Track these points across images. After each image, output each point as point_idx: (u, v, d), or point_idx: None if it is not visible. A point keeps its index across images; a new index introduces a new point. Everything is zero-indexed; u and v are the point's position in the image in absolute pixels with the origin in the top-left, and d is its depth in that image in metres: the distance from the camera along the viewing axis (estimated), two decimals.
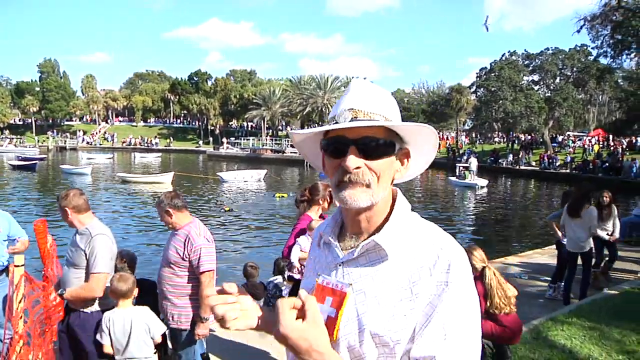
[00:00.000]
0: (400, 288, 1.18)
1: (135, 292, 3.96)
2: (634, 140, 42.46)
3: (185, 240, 3.97)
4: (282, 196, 24.93)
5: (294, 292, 4.74)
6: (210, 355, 4.73)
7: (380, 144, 1.20)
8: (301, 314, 1.05)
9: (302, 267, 4.54)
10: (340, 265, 1.27)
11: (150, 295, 4.43)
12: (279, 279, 6.61)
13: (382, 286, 1.19)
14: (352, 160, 1.18)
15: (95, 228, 3.90)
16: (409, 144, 1.31)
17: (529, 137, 52.46)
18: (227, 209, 20.74)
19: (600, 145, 44.36)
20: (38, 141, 76.88)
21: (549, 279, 8.04)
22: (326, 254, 1.35)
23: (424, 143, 1.32)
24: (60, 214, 3.96)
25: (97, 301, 3.92)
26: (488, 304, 4.72)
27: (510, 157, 45.50)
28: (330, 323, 1.15)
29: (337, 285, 1.18)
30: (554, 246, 8.93)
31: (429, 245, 1.21)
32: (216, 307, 1.17)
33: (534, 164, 43.82)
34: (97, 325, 3.87)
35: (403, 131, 1.26)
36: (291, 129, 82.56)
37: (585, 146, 45.04)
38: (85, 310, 3.89)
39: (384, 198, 1.25)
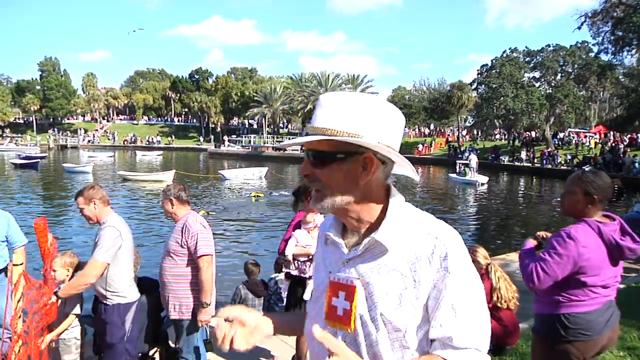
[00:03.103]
0: (404, 277, 1.29)
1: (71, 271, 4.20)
2: (635, 137, 42.41)
3: (182, 229, 4.12)
4: (258, 196, 24.51)
5: (292, 290, 4.74)
6: (213, 355, 4.73)
7: (322, 155, 1.31)
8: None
9: (298, 262, 4.54)
10: (347, 262, 1.37)
11: (150, 293, 4.44)
12: (280, 276, 6.62)
13: (387, 277, 1.30)
14: (303, 168, 1.36)
15: (109, 220, 4.01)
16: (374, 149, 1.31)
17: (530, 134, 52.40)
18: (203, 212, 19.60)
19: (600, 142, 44.26)
20: (40, 140, 76.77)
21: None
22: (333, 250, 1.45)
23: (383, 151, 1.32)
24: (80, 210, 4.05)
25: (119, 293, 4.00)
26: (495, 298, 4.74)
27: (523, 154, 44.97)
28: (347, 315, 1.32)
29: (347, 280, 1.33)
30: None
31: (425, 235, 1.31)
32: (216, 331, 1.40)
33: (535, 160, 43.70)
34: (116, 316, 3.99)
35: (344, 143, 1.29)
36: (291, 128, 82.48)
37: (583, 142, 45.01)
38: (106, 302, 4.00)
39: (367, 198, 1.36)
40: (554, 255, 2.80)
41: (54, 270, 4.10)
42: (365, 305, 1.31)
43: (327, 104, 1.32)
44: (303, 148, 1.36)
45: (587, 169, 3.15)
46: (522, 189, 34.15)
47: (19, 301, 2.91)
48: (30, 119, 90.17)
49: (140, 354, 4.51)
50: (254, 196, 24.44)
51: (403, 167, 1.43)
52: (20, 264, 3.04)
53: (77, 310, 4.23)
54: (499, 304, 4.76)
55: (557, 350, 2.89)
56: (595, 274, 2.83)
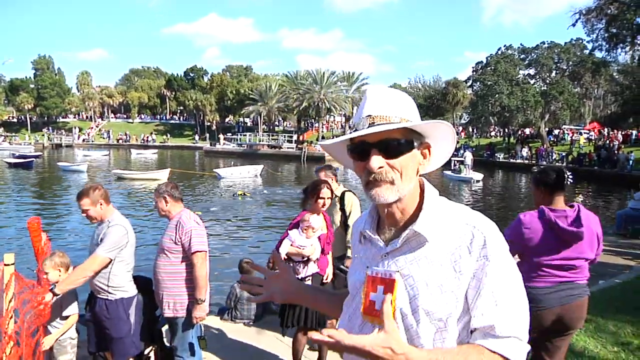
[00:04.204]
0: (444, 268, 1.30)
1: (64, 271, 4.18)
2: (629, 134, 42.56)
3: (176, 226, 4.14)
4: (245, 194, 24.43)
5: None
6: (209, 354, 4.73)
7: (398, 144, 1.33)
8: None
9: (293, 263, 4.51)
10: (385, 256, 1.38)
11: (145, 292, 4.42)
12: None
13: (427, 269, 1.31)
14: (375, 162, 1.31)
15: (115, 218, 4.11)
16: (429, 138, 1.43)
17: (525, 131, 52.51)
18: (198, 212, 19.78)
19: (592, 139, 44.42)
20: (34, 139, 76.48)
21: None
22: (369, 247, 1.46)
23: (442, 137, 1.44)
24: (84, 211, 4.09)
25: (121, 288, 4.09)
26: None
27: (524, 151, 44.86)
28: None
29: (386, 274, 1.33)
30: None
31: (463, 225, 1.33)
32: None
33: (525, 156, 43.79)
34: (122, 311, 4.07)
35: (420, 128, 1.38)
36: (287, 125, 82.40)
37: (574, 139, 45.22)
38: (108, 297, 4.06)
39: (411, 190, 1.38)
40: (506, 233, 3.34)
41: (46, 273, 4.09)
42: (405, 298, 1.31)
43: (382, 94, 1.36)
44: (356, 139, 1.34)
45: (535, 169, 3.84)
46: (517, 186, 34.24)
47: (10, 301, 2.89)
48: (25, 117, 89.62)
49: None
50: (240, 194, 24.35)
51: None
52: (12, 264, 3.02)
53: (75, 309, 4.24)
54: None
55: None
56: (543, 254, 3.35)
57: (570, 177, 3.60)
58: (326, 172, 5.24)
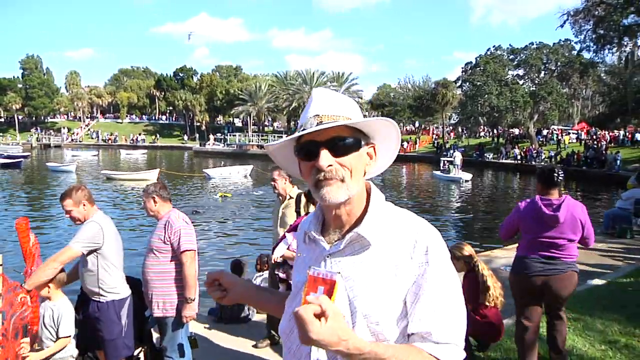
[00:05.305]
0: (385, 272, 1.31)
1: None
2: (617, 134, 42.93)
3: (165, 225, 4.16)
4: (226, 195, 24.08)
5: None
6: (198, 355, 4.71)
7: (346, 142, 1.33)
8: (320, 314, 1.11)
9: (287, 266, 4.51)
10: (328, 257, 1.38)
11: (134, 292, 4.40)
12: (265, 275, 6.60)
13: (368, 272, 1.32)
14: (324, 159, 1.31)
15: (94, 217, 4.06)
16: (374, 139, 1.44)
17: (513, 131, 52.81)
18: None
19: (582, 139, 44.78)
20: (22, 139, 75.77)
21: None
22: (313, 247, 1.45)
23: (387, 138, 1.45)
24: (67, 212, 4.06)
25: (112, 290, 4.05)
26: (483, 296, 4.76)
27: (517, 151, 45.05)
28: None
29: (327, 275, 1.28)
30: None
31: (407, 231, 1.34)
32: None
33: (518, 157, 44.07)
34: (113, 313, 4.03)
35: (366, 127, 1.39)
36: (277, 126, 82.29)
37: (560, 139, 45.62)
38: (100, 299, 4.03)
39: (359, 191, 1.38)
40: (508, 216, 4.70)
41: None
42: (345, 300, 1.31)
43: (328, 95, 1.38)
44: (304, 140, 1.34)
45: (538, 168, 4.91)
46: (506, 186, 34.45)
47: None
48: (12, 118, 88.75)
49: None
50: (221, 196, 24.04)
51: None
52: None
53: (70, 331, 4.10)
54: (487, 303, 4.77)
55: (512, 277, 4.62)
56: (531, 232, 4.36)
57: (561, 174, 4.35)
58: (280, 172, 5.16)
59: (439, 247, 1.33)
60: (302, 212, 5.02)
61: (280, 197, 5.32)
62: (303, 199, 5.04)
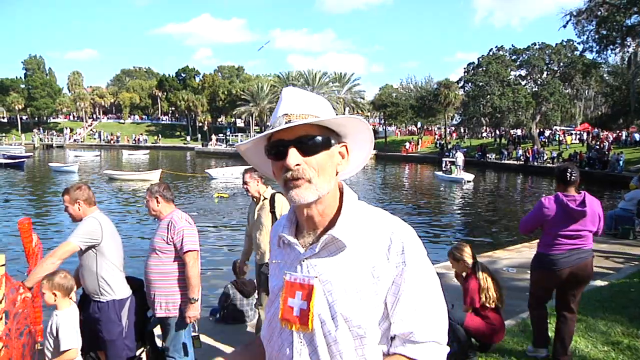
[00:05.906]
0: (363, 273, 1.29)
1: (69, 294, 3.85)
2: (620, 134, 42.84)
3: (168, 225, 4.15)
4: (222, 196, 23.84)
5: None
6: (200, 355, 4.71)
7: (315, 141, 1.30)
8: None
9: None
10: (303, 261, 1.35)
11: (136, 293, 4.40)
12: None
13: (345, 274, 1.29)
14: (292, 158, 1.28)
15: (93, 214, 4.06)
16: (346, 137, 1.41)
17: (517, 131, 52.75)
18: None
19: (585, 140, 44.70)
20: (25, 139, 75.88)
21: None
22: (288, 252, 1.42)
23: (359, 137, 1.42)
24: (65, 207, 4.07)
25: (112, 290, 4.04)
26: (484, 297, 4.76)
27: (520, 151, 44.90)
28: (304, 315, 1.30)
29: (304, 280, 1.30)
30: None
31: (381, 231, 1.32)
32: None
33: (522, 157, 44.01)
34: (113, 313, 4.01)
35: (336, 126, 1.36)
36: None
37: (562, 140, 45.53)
38: (100, 299, 4.03)
39: (332, 192, 1.35)
40: (531, 212, 4.88)
41: (43, 293, 3.80)
42: (324, 304, 1.29)
43: (298, 94, 1.35)
44: (273, 139, 1.33)
45: (556, 167, 5.25)
46: (508, 186, 34.38)
47: (0, 303, 2.87)
48: (15, 118, 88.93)
49: None
50: (217, 197, 23.83)
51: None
52: (2, 265, 3.00)
53: (76, 343, 3.76)
54: (487, 304, 4.78)
55: (539, 273, 4.82)
56: (557, 226, 4.58)
57: (574, 173, 4.63)
58: (251, 174, 5.06)
59: (414, 244, 1.31)
60: (278, 212, 4.95)
61: (255, 199, 5.21)
62: (278, 198, 4.99)
